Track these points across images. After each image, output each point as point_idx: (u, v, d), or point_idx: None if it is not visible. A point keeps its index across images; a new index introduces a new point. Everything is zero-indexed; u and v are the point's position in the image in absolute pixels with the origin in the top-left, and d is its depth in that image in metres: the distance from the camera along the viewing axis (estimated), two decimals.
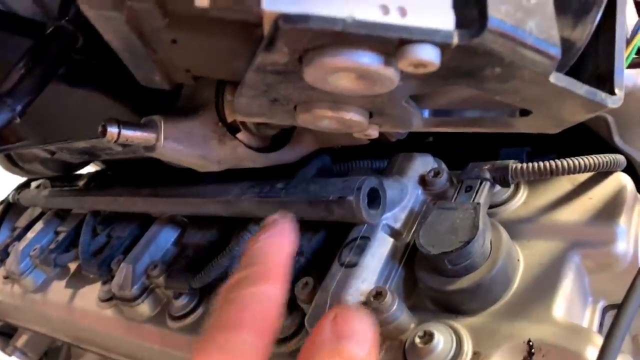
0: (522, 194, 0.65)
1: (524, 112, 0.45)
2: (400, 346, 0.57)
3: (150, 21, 0.36)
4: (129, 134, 0.55)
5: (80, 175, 1.24)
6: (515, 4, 0.32)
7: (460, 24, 0.32)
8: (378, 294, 0.57)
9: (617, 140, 0.67)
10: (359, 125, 0.48)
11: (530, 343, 0.51)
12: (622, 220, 0.57)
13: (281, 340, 0.65)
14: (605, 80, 0.42)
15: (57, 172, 1.06)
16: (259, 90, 0.44)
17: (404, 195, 0.65)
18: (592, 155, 0.59)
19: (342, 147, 0.87)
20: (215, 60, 0.43)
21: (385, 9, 0.32)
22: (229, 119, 0.62)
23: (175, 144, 0.58)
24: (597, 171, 0.60)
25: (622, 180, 0.60)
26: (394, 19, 0.32)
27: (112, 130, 0.53)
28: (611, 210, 0.58)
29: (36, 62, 0.50)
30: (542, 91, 0.39)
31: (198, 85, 0.62)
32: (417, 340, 0.54)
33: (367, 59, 0.34)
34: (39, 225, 1.15)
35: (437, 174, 0.65)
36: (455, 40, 0.32)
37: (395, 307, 0.56)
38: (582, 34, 0.40)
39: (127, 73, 0.55)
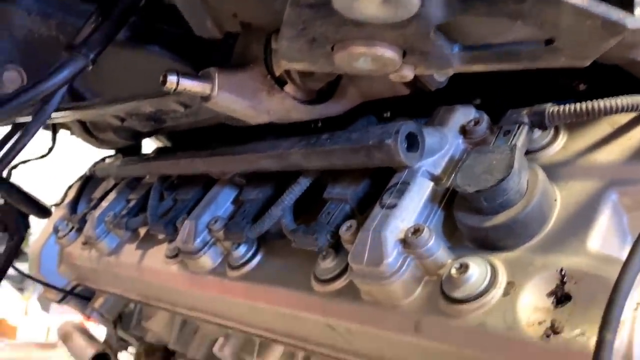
0: (562, 139, 0.66)
1: (549, 42, 0.47)
2: (438, 280, 0.60)
3: None
4: (187, 83, 0.60)
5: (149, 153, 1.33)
6: None
7: None
8: (416, 230, 0.60)
9: None
10: (392, 63, 0.52)
11: (563, 272, 0.53)
12: None
13: (328, 280, 0.70)
14: (628, 3, 0.44)
15: (128, 141, 1.15)
16: (297, 29, 0.49)
17: (444, 143, 0.67)
18: (630, 96, 0.60)
19: (391, 110, 0.91)
20: (259, 1, 0.48)
21: None
22: (277, 72, 0.66)
23: (228, 94, 0.63)
24: (636, 111, 0.60)
25: None
26: None
27: (172, 78, 0.59)
28: None
29: (105, 17, 0.57)
30: (558, 13, 0.41)
31: (248, 41, 0.67)
32: (453, 271, 0.57)
33: None
34: (112, 195, 1.24)
35: (477, 122, 0.68)
36: None
37: (432, 242, 0.60)
38: None
39: (186, 33, 0.61)
